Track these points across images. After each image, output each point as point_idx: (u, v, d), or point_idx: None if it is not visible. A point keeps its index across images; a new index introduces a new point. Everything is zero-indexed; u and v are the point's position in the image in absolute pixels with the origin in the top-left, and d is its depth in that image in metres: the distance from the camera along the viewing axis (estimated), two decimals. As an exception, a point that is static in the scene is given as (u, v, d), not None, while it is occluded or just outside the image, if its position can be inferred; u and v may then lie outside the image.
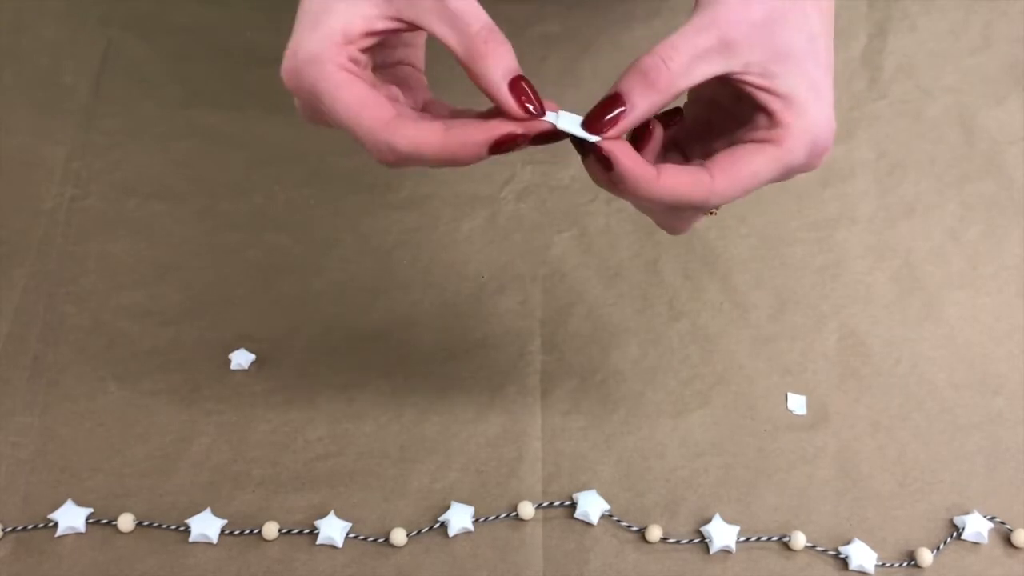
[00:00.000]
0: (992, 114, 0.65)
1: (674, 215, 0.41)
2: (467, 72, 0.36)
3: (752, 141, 0.37)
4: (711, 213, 0.41)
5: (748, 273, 0.58)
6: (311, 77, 0.35)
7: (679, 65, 0.36)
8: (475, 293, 0.57)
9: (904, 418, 0.53)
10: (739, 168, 0.37)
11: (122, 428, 0.52)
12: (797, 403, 0.54)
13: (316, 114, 0.37)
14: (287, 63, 0.36)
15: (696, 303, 0.57)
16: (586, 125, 0.36)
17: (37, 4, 0.68)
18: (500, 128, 0.35)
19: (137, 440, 0.52)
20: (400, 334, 0.56)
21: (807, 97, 0.37)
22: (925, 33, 0.69)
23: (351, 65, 0.36)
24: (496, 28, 0.36)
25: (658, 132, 0.39)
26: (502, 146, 0.35)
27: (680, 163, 0.41)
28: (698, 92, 0.41)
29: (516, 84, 0.36)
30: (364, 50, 0.37)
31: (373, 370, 0.54)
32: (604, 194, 0.61)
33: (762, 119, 0.37)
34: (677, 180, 0.36)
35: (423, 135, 0.35)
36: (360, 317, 0.56)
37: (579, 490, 0.50)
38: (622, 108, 0.36)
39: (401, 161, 0.36)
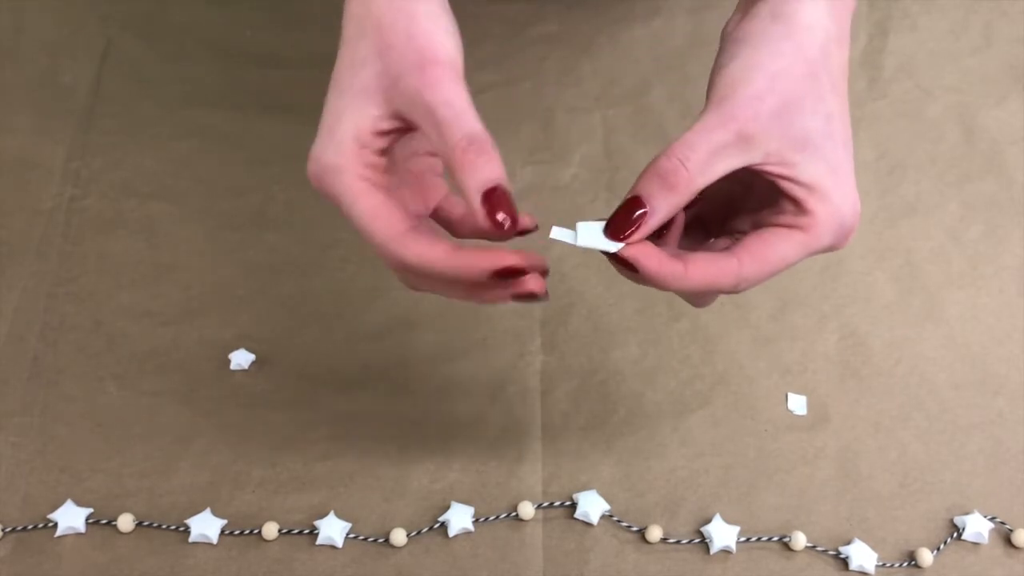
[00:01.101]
0: (992, 114, 0.65)
1: (701, 297, 0.42)
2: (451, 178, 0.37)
3: (779, 226, 0.38)
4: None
5: (748, 273, 0.58)
6: (331, 185, 0.37)
7: (696, 164, 0.36)
8: (475, 293, 0.57)
9: (904, 418, 0.53)
10: (767, 254, 0.38)
11: (122, 428, 0.52)
12: (797, 403, 0.53)
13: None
14: (312, 167, 0.38)
15: (696, 303, 0.57)
16: (609, 231, 0.37)
17: (37, 4, 0.68)
18: (505, 259, 0.36)
19: (137, 440, 0.52)
20: (400, 334, 0.56)
21: (829, 182, 0.37)
22: (925, 33, 0.69)
23: (368, 172, 0.37)
24: (480, 137, 0.36)
25: (680, 218, 0.39)
26: (506, 274, 0.36)
27: (701, 238, 0.42)
28: None
29: (489, 195, 0.35)
30: (379, 152, 0.38)
31: (373, 370, 0.54)
32: (604, 194, 0.61)
33: (788, 205, 0.38)
34: (706, 271, 0.37)
35: (430, 251, 0.36)
36: (360, 317, 0.56)
37: (579, 490, 0.50)
38: (643, 211, 0.36)
39: (410, 272, 0.37)
